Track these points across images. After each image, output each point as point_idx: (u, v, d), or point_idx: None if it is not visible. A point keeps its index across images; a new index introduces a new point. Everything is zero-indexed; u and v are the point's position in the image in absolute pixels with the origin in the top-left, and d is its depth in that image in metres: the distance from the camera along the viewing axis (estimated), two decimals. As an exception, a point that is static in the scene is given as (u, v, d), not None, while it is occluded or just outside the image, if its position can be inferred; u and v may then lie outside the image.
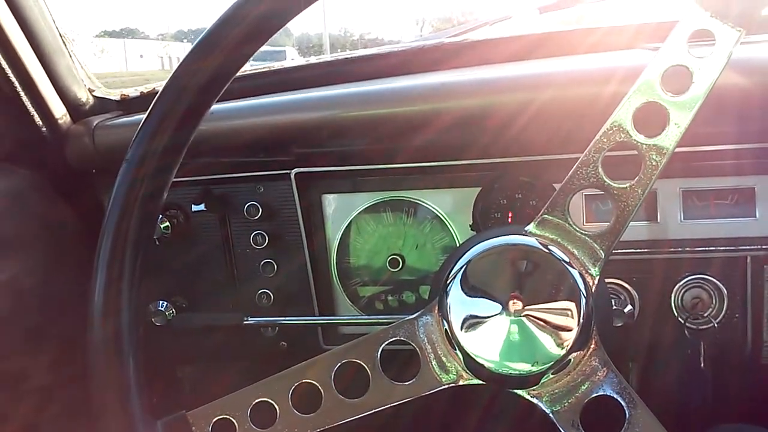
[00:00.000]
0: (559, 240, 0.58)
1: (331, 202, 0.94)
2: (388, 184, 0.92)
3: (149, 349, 0.81)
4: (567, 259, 0.57)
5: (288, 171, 0.91)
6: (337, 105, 0.87)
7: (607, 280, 0.86)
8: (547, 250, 0.57)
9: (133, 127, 0.93)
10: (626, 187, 0.56)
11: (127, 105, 1.04)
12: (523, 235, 0.59)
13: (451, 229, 0.92)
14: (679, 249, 0.85)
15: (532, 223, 0.59)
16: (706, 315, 0.86)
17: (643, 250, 0.86)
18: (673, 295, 0.86)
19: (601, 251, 0.57)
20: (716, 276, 0.85)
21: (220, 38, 0.53)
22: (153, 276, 0.93)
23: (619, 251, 0.85)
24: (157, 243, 0.93)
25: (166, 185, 0.57)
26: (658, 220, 0.86)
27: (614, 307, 0.82)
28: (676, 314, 0.86)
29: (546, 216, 0.58)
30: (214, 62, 0.53)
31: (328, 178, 0.92)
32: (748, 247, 0.84)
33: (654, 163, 0.55)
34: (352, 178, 0.92)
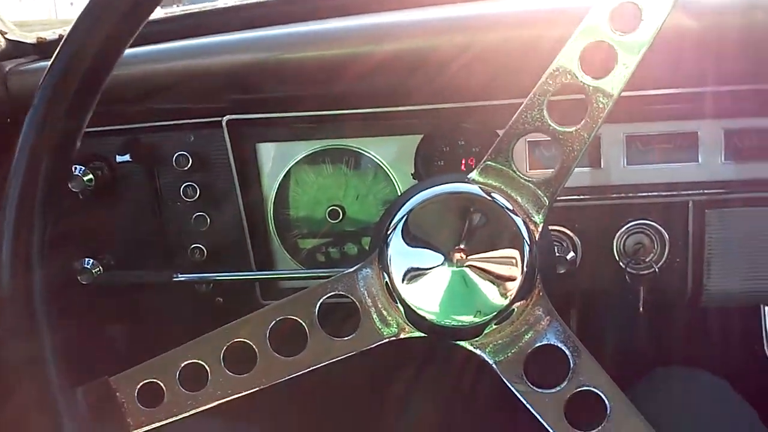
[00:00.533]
0: (502, 187, 0.56)
1: (266, 151, 0.90)
2: (326, 133, 0.88)
3: (76, 310, 0.77)
4: (510, 207, 0.55)
5: (219, 118, 0.86)
6: (271, 47, 0.82)
7: (549, 228, 0.85)
8: (490, 198, 0.55)
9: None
10: (572, 132, 0.53)
11: (45, 49, 0.96)
12: (466, 182, 0.56)
13: (392, 178, 0.88)
14: (622, 195, 0.84)
15: (475, 171, 0.56)
16: (647, 260, 0.85)
17: (585, 197, 0.85)
18: (615, 241, 0.85)
19: (545, 198, 0.55)
20: (658, 221, 0.85)
21: None
22: (78, 232, 0.88)
23: (561, 198, 0.83)
24: (80, 197, 0.87)
25: (77, 133, 0.52)
26: (602, 166, 0.85)
27: (557, 254, 0.81)
28: (617, 260, 0.86)
29: (489, 163, 0.56)
30: None
31: (263, 125, 0.87)
32: (690, 192, 0.84)
33: (601, 106, 0.52)
34: (288, 126, 0.88)
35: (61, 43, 0.50)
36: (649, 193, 0.84)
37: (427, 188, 0.57)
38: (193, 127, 0.88)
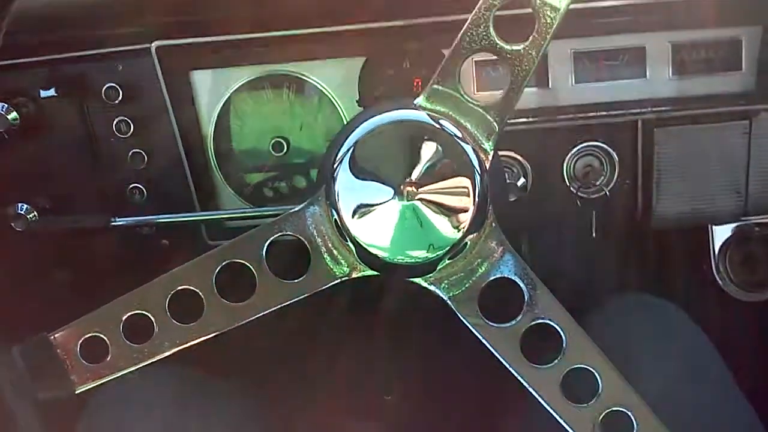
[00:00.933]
0: (450, 113, 0.54)
1: (201, 79, 0.85)
2: (265, 57, 0.83)
3: (14, 259, 0.73)
4: (459, 134, 0.53)
5: (148, 45, 0.80)
6: None
7: (499, 153, 0.84)
8: (438, 126, 0.53)
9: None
10: (520, 50, 0.51)
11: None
12: (413, 109, 0.54)
13: (337, 105, 0.85)
14: (571, 115, 0.83)
15: (422, 96, 0.54)
16: (597, 183, 0.85)
17: (534, 119, 0.83)
18: (564, 165, 0.85)
19: (495, 123, 0.54)
20: (607, 142, 0.84)
21: None
22: (7, 175, 0.83)
23: (510, 121, 0.82)
24: (6, 137, 0.81)
25: None
26: (550, 86, 0.83)
27: (508, 182, 0.80)
28: (568, 184, 0.85)
29: (436, 86, 0.54)
30: None
31: (196, 51, 0.82)
32: (638, 110, 0.83)
33: (548, 21, 0.51)
34: (223, 51, 0.82)
35: None
36: (598, 113, 0.83)
37: (372, 116, 0.54)
38: (122, 56, 0.82)
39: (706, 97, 0.83)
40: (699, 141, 0.83)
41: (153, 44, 0.80)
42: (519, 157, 0.85)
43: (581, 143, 0.84)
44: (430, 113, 0.54)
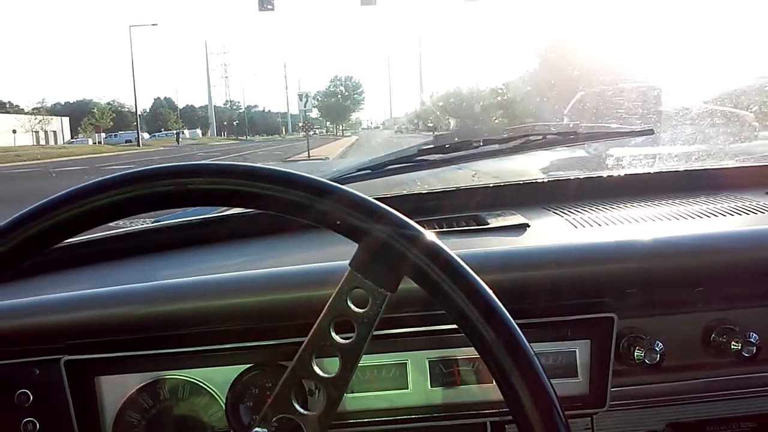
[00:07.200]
0: None
1: (104, 383, 0.96)
2: (161, 365, 0.96)
3: None
4: None
5: (58, 356, 0.93)
6: (98, 305, 0.93)
7: None
8: None
9: None
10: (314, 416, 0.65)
11: None
12: None
13: (221, 404, 0.95)
14: (427, 415, 0.94)
15: None
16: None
17: (396, 417, 0.94)
18: None
19: None
20: None
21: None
22: None
23: (376, 419, 0.93)
24: None
25: None
26: (409, 388, 0.95)
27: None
28: None
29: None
30: None
31: (101, 361, 0.94)
32: (488, 412, 0.93)
33: (333, 398, 0.64)
34: (125, 361, 0.95)
35: None
36: (452, 413, 0.94)
37: None
38: (35, 365, 0.94)
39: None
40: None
41: (62, 358, 0.92)
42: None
43: None
44: None
